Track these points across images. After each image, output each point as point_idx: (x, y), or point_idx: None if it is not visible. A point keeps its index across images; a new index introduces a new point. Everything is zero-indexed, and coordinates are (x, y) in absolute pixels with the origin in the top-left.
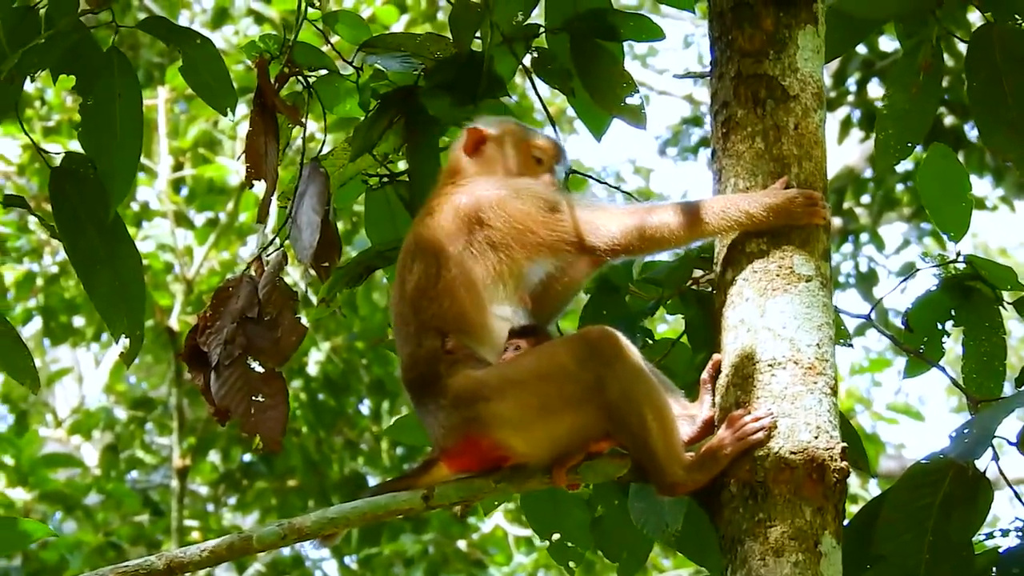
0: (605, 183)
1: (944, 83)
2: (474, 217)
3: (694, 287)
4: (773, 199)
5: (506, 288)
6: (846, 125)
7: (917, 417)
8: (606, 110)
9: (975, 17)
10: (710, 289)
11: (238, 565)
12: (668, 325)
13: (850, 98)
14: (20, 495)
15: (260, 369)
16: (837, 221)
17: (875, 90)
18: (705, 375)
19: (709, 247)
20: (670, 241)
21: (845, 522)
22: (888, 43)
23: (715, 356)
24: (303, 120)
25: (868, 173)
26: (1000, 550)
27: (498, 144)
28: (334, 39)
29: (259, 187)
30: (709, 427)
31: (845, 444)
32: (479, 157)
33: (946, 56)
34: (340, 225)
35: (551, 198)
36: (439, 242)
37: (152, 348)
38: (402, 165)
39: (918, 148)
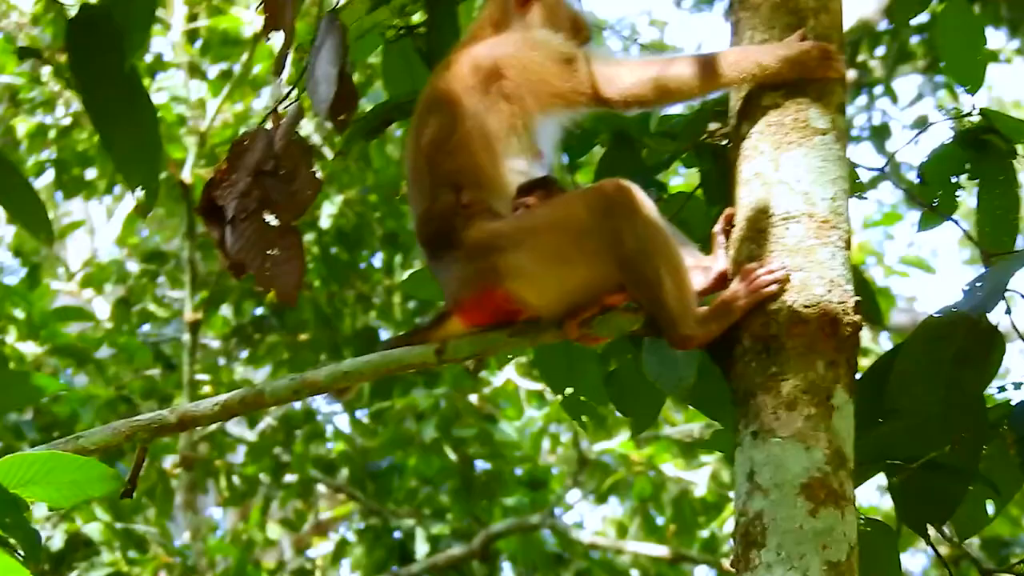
0: (620, 35)
1: None
2: (491, 69)
3: (709, 140)
4: (788, 51)
5: (520, 140)
6: None
7: (929, 270)
8: None
9: None
10: (725, 142)
11: (249, 419)
12: (683, 178)
13: None
14: (31, 349)
15: (276, 223)
16: (851, 74)
17: None
18: (718, 228)
19: (724, 100)
20: (684, 92)
21: (857, 376)
22: None
23: (728, 209)
24: None
25: (883, 25)
26: (1013, 403)
27: (545, 6)
28: None
29: (275, 39)
30: (722, 280)
31: (858, 298)
32: (521, 15)
33: None
34: (356, 77)
35: (568, 51)
36: (456, 94)
37: (165, 201)
38: (419, 17)
39: (934, 1)
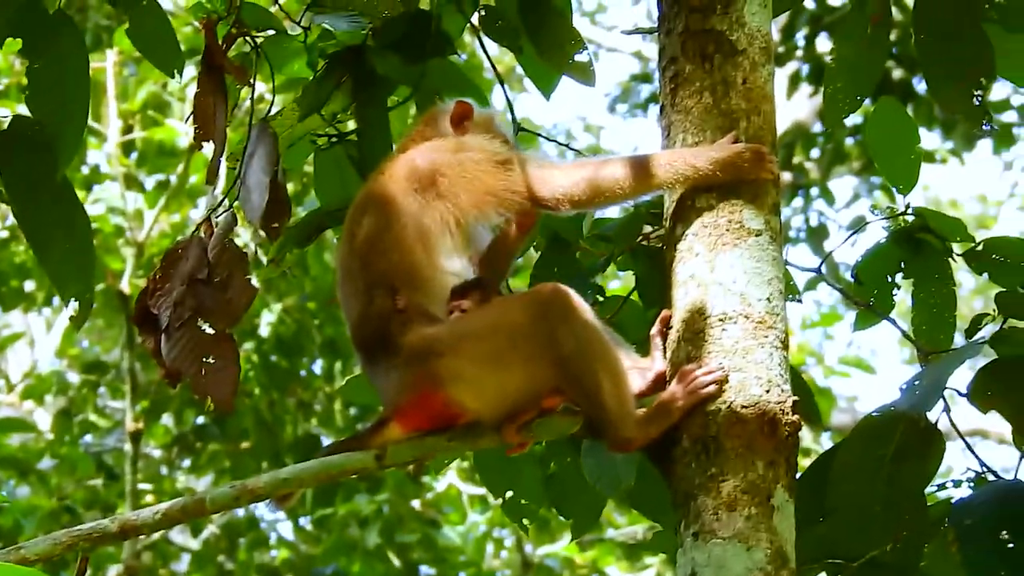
0: (555, 141)
1: (893, 36)
2: (426, 171)
3: (644, 243)
4: (721, 153)
5: (455, 240)
6: (795, 80)
7: (868, 370)
8: (555, 68)
9: None
10: (660, 245)
11: (193, 528)
12: (619, 281)
13: (799, 52)
14: None
15: (210, 331)
16: (787, 176)
17: (824, 44)
18: (655, 330)
19: (659, 203)
20: (618, 193)
21: (798, 475)
22: None
23: (665, 311)
24: (251, 81)
25: (818, 127)
26: (953, 501)
27: (479, 123)
28: None
29: (208, 149)
30: (660, 382)
31: (796, 398)
32: (458, 130)
33: (895, 10)
34: (290, 186)
35: (503, 153)
36: (390, 196)
37: (104, 312)
38: (351, 125)
39: (867, 102)
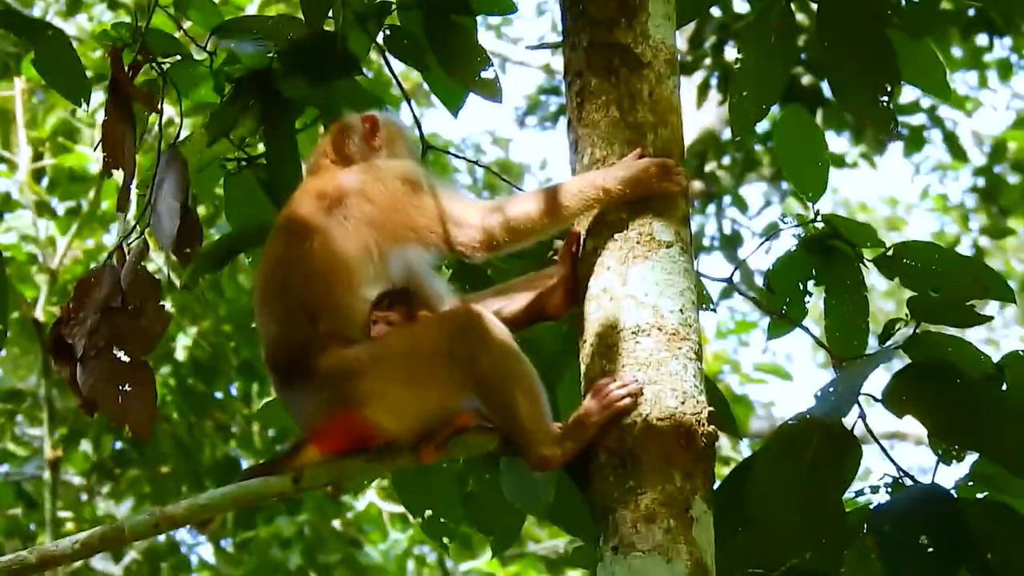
0: (463, 157)
1: (800, 42)
2: (346, 196)
3: (556, 257)
4: (628, 171)
5: (375, 268)
6: (704, 88)
7: (785, 376)
8: (462, 84)
9: None
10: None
11: (114, 554)
12: None
13: (707, 61)
14: None
15: (126, 358)
16: (699, 184)
17: (732, 53)
18: (563, 248)
19: None
20: (534, 231)
21: (716, 485)
22: (742, 4)
23: (574, 229)
24: (159, 107)
25: (728, 135)
26: (871, 506)
27: (388, 135)
28: (187, 24)
29: (118, 176)
30: (568, 285)
31: (712, 408)
32: (371, 144)
33: (803, 15)
34: (201, 209)
35: (418, 181)
36: (309, 221)
37: (18, 340)
38: (260, 148)
39: (775, 109)
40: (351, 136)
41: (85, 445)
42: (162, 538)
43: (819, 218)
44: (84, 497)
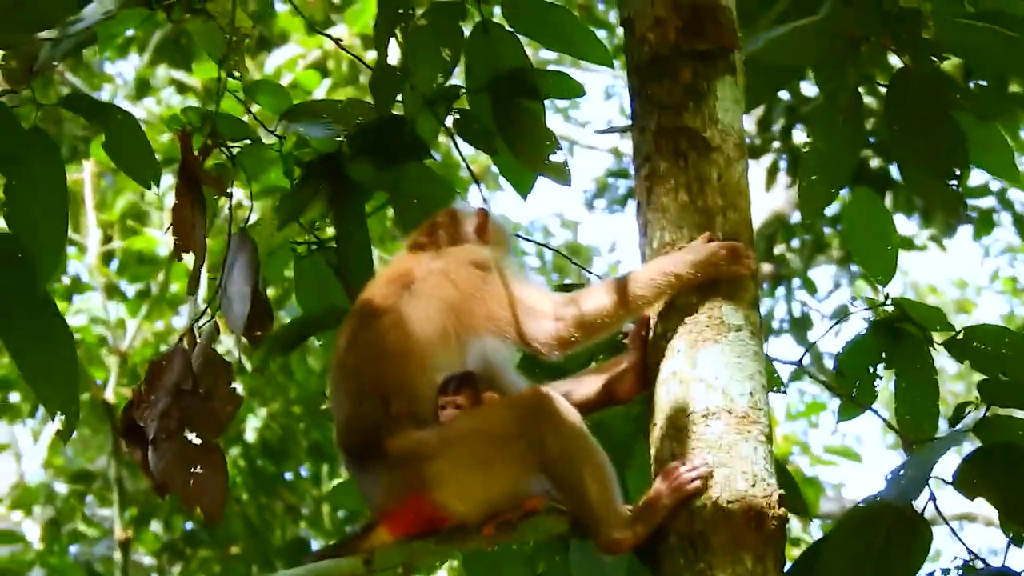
0: (533, 240)
1: (869, 125)
2: (427, 279)
3: (626, 340)
4: (697, 255)
5: (450, 353)
6: (772, 171)
7: (854, 458)
8: (530, 168)
9: (897, 60)
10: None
11: None
12: None
13: (776, 144)
14: None
15: (197, 440)
16: (768, 267)
17: (800, 136)
18: (632, 332)
19: None
20: (608, 325)
21: (786, 568)
22: (811, 88)
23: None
24: (229, 190)
25: (797, 217)
26: None
27: (495, 228)
28: (256, 108)
29: (188, 259)
30: (638, 372)
31: (782, 491)
32: (481, 239)
33: (871, 98)
34: (271, 291)
35: (498, 271)
36: (389, 302)
37: (89, 421)
38: (330, 231)
39: (844, 192)
40: (461, 224)
41: (155, 526)
42: None
43: (888, 301)
44: None
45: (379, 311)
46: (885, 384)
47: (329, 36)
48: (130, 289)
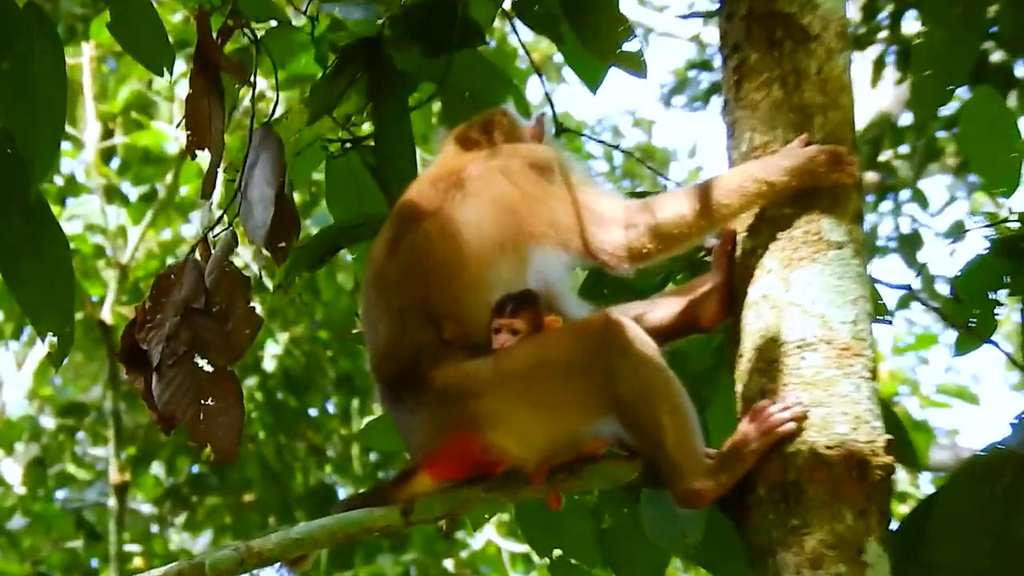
0: (601, 141)
1: (992, 12)
2: (481, 179)
3: (707, 258)
4: (793, 161)
5: (510, 267)
6: (879, 65)
7: (971, 400)
8: (601, 58)
9: None
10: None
11: None
12: None
13: (882, 34)
14: None
15: (209, 368)
16: (872, 176)
17: (912, 25)
18: (718, 247)
19: None
20: (688, 236)
21: (893, 526)
22: None
23: (730, 227)
24: (251, 79)
25: (907, 119)
26: None
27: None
28: None
29: (203, 157)
30: (723, 294)
31: (889, 436)
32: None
33: None
34: (297, 197)
35: (559, 172)
36: (436, 207)
37: (82, 345)
38: (367, 128)
39: (962, 90)
40: (513, 127)
41: (157, 468)
42: None
43: (1012, 216)
44: (155, 528)
45: (424, 214)
46: (1008, 313)
47: None
48: (133, 192)
